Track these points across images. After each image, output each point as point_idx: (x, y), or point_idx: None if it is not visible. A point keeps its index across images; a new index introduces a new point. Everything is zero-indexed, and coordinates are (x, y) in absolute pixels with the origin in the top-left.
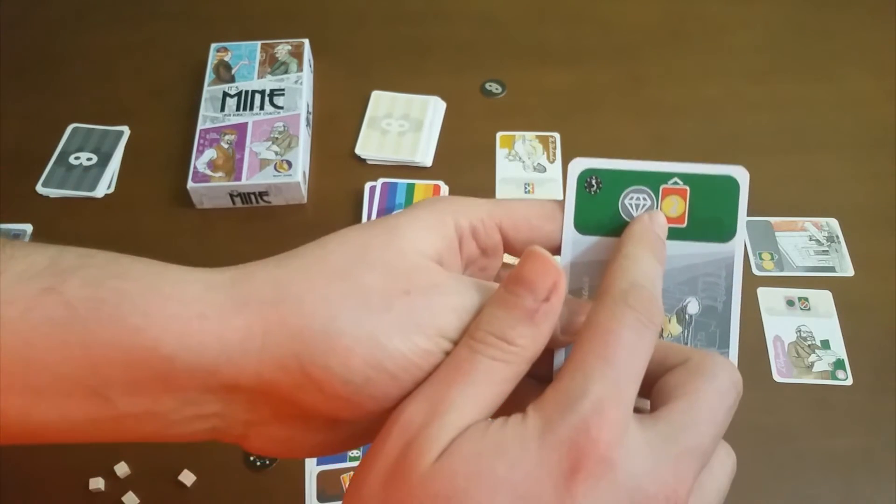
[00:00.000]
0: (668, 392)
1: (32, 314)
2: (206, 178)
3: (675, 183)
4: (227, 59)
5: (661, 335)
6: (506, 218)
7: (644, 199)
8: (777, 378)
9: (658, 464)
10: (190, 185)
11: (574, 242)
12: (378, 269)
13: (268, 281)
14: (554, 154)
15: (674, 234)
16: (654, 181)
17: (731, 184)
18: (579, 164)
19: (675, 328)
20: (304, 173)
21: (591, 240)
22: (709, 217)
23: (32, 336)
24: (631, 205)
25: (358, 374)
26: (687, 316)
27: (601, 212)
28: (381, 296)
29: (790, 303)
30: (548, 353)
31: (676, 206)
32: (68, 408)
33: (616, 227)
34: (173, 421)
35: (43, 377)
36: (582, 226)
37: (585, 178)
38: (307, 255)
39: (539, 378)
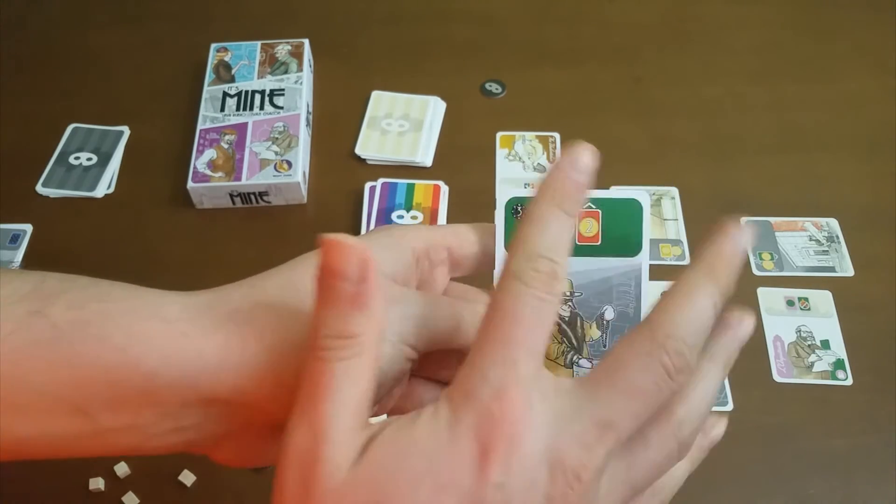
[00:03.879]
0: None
1: (19, 335)
2: (206, 178)
3: (589, 207)
4: (227, 59)
5: (583, 339)
6: (451, 239)
7: None
8: (777, 378)
9: (564, 434)
10: (190, 185)
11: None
12: None
13: (244, 300)
14: (554, 154)
15: (590, 251)
16: None
17: (636, 206)
18: (505, 195)
19: (594, 332)
20: (304, 173)
21: None
22: (619, 235)
23: (19, 357)
24: None
25: None
26: (605, 322)
27: None
28: None
29: (790, 303)
30: (444, 355)
31: (591, 226)
32: (52, 424)
33: None
34: (152, 434)
35: (28, 396)
36: None
37: (512, 206)
38: (280, 275)
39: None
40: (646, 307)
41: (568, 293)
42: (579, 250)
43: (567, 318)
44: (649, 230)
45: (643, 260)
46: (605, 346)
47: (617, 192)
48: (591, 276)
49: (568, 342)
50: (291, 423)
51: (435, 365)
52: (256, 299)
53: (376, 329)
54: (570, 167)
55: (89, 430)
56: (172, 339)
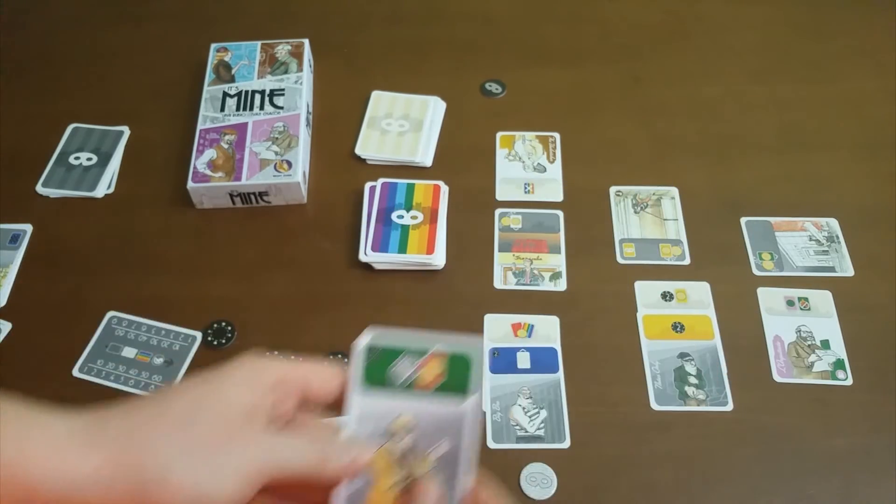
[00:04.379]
0: None
1: None
2: (206, 178)
3: (432, 354)
4: (227, 59)
5: (413, 473)
6: (301, 377)
7: (407, 366)
8: (777, 378)
9: None
10: (190, 185)
11: (360, 398)
12: (206, 424)
13: (119, 431)
14: (554, 154)
15: (432, 391)
16: (416, 354)
17: (469, 356)
18: (363, 340)
19: (426, 465)
20: (304, 173)
21: (373, 396)
22: (456, 379)
23: None
24: (397, 371)
25: (178, 500)
26: (435, 458)
27: (378, 375)
28: (206, 449)
29: (790, 303)
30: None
31: (435, 369)
32: None
33: (389, 388)
34: None
35: None
36: (366, 385)
37: (367, 349)
38: (151, 408)
39: None
40: (472, 446)
41: (408, 427)
42: (423, 390)
43: (404, 451)
44: (481, 377)
45: (472, 405)
46: (434, 478)
47: (454, 342)
48: (429, 413)
49: (403, 472)
50: None
51: (302, 490)
52: (130, 430)
53: None
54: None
55: None
56: (53, 460)
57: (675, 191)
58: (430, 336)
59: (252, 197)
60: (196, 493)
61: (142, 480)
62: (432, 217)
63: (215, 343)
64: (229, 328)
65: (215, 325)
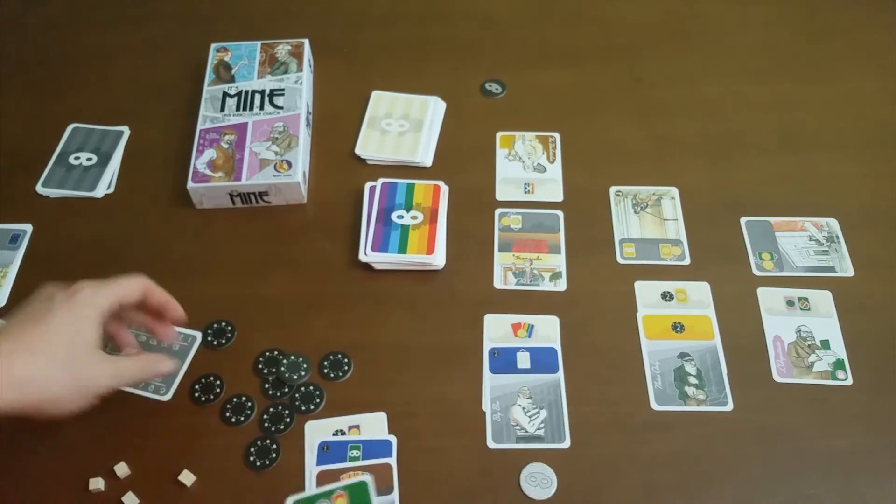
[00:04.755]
0: None
1: None
2: (206, 179)
3: (339, 492)
4: (227, 59)
5: None
6: (116, 303)
7: None
8: (777, 378)
9: None
10: (190, 185)
11: None
12: (58, 347)
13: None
14: (554, 154)
15: None
16: (328, 494)
17: (364, 482)
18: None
19: None
20: (304, 173)
21: None
22: (359, 499)
23: None
24: None
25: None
26: None
27: None
28: (58, 364)
29: (790, 303)
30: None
31: (343, 501)
32: None
33: None
34: None
35: None
36: None
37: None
38: (12, 326)
39: None
40: None
41: None
42: None
43: None
44: (376, 497)
45: None
46: None
47: (349, 481)
48: None
49: None
50: None
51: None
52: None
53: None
54: None
55: None
56: None
57: (675, 191)
58: (331, 483)
59: (252, 197)
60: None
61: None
62: (432, 217)
63: (215, 343)
64: (229, 328)
65: (215, 325)
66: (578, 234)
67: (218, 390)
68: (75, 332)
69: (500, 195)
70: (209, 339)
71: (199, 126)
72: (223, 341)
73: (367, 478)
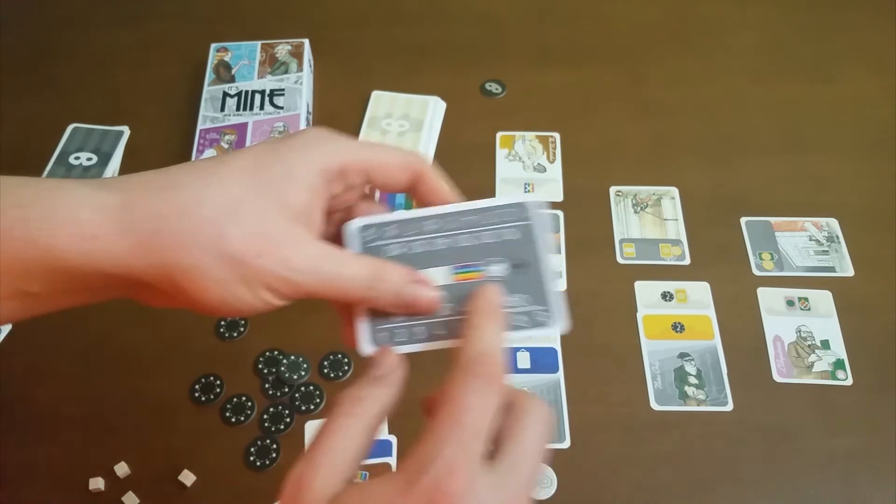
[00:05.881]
0: (499, 434)
1: None
2: None
3: None
4: (227, 59)
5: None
6: (367, 164)
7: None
8: (777, 378)
9: (501, 500)
10: None
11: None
12: (242, 227)
13: (150, 214)
14: (554, 154)
15: None
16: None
17: None
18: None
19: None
20: None
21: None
22: None
23: None
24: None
25: (212, 303)
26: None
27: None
28: (238, 253)
29: (790, 303)
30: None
31: None
32: (3, 307)
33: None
34: (91, 300)
35: None
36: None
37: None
38: (190, 190)
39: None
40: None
41: None
42: None
43: None
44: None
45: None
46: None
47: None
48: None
49: None
50: (302, 455)
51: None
52: (163, 215)
53: (380, 407)
54: (490, 295)
55: (35, 302)
56: (85, 242)
57: (675, 191)
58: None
59: None
60: (226, 295)
61: (174, 269)
62: None
63: (227, 336)
64: (242, 322)
65: (228, 317)
66: (578, 234)
67: (218, 390)
68: (283, 183)
69: (501, 195)
70: (221, 331)
71: (199, 126)
72: (234, 334)
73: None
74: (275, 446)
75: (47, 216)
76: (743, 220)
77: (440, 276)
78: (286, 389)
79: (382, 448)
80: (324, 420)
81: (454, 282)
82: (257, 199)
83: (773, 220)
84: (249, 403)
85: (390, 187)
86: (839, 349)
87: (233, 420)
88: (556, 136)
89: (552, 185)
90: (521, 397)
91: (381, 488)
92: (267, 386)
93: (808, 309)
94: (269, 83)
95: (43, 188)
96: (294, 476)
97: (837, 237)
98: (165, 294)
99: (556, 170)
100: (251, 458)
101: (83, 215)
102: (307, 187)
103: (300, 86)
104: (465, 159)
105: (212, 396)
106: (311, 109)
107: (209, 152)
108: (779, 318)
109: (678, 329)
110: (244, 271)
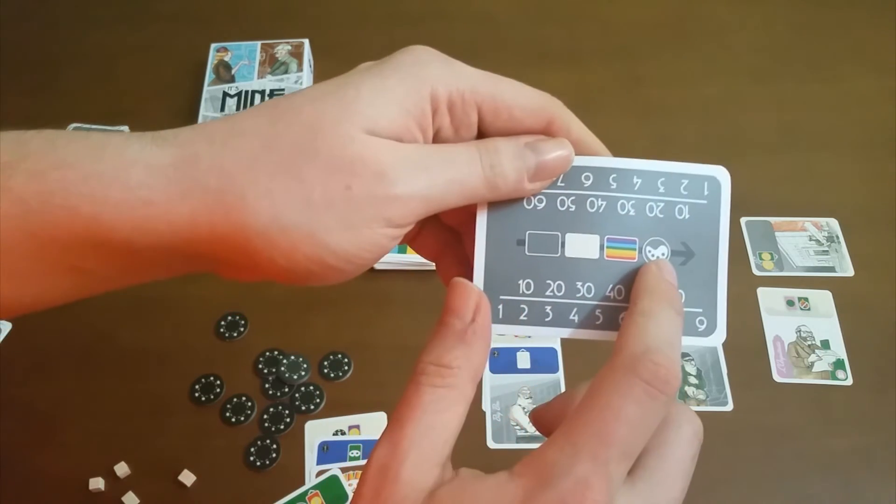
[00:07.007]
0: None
1: None
2: None
3: (312, 492)
4: (227, 59)
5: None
6: (489, 100)
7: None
8: (777, 378)
9: None
10: None
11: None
12: (322, 159)
13: (212, 169)
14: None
15: None
16: (301, 497)
17: (336, 478)
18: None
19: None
20: None
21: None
22: None
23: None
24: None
25: (300, 266)
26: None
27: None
28: (323, 192)
29: (790, 303)
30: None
31: None
32: (54, 283)
33: None
34: (151, 276)
35: (23, 265)
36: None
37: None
38: (255, 136)
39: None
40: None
41: None
42: None
43: None
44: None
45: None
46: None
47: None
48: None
49: None
50: (380, 436)
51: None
52: (226, 168)
53: (473, 365)
54: (663, 270)
55: (88, 280)
56: (137, 209)
57: None
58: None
59: None
60: (316, 249)
61: (245, 234)
62: None
63: (227, 335)
64: (242, 321)
65: (229, 318)
66: None
67: (218, 390)
68: (373, 109)
69: None
70: (221, 331)
71: None
72: (234, 334)
73: (336, 471)
74: (275, 446)
75: (89, 179)
76: (743, 219)
77: (589, 246)
78: (286, 389)
79: None
80: (405, 391)
81: (605, 257)
82: (336, 126)
83: (772, 219)
84: (249, 403)
85: (511, 132)
86: (839, 349)
87: (233, 420)
88: None
89: None
90: (671, 406)
91: (492, 494)
92: (267, 386)
93: (808, 309)
94: (269, 83)
95: (89, 144)
96: (377, 464)
97: (837, 237)
98: (244, 268)
99: None
100: (251, 458)
101: (133, 177)
102: (407, 113)
103: (300, 86)
104: None
105: (212, 396)
106: None
107: None
108: (779, 318)
109: None
110: (335, 214)
